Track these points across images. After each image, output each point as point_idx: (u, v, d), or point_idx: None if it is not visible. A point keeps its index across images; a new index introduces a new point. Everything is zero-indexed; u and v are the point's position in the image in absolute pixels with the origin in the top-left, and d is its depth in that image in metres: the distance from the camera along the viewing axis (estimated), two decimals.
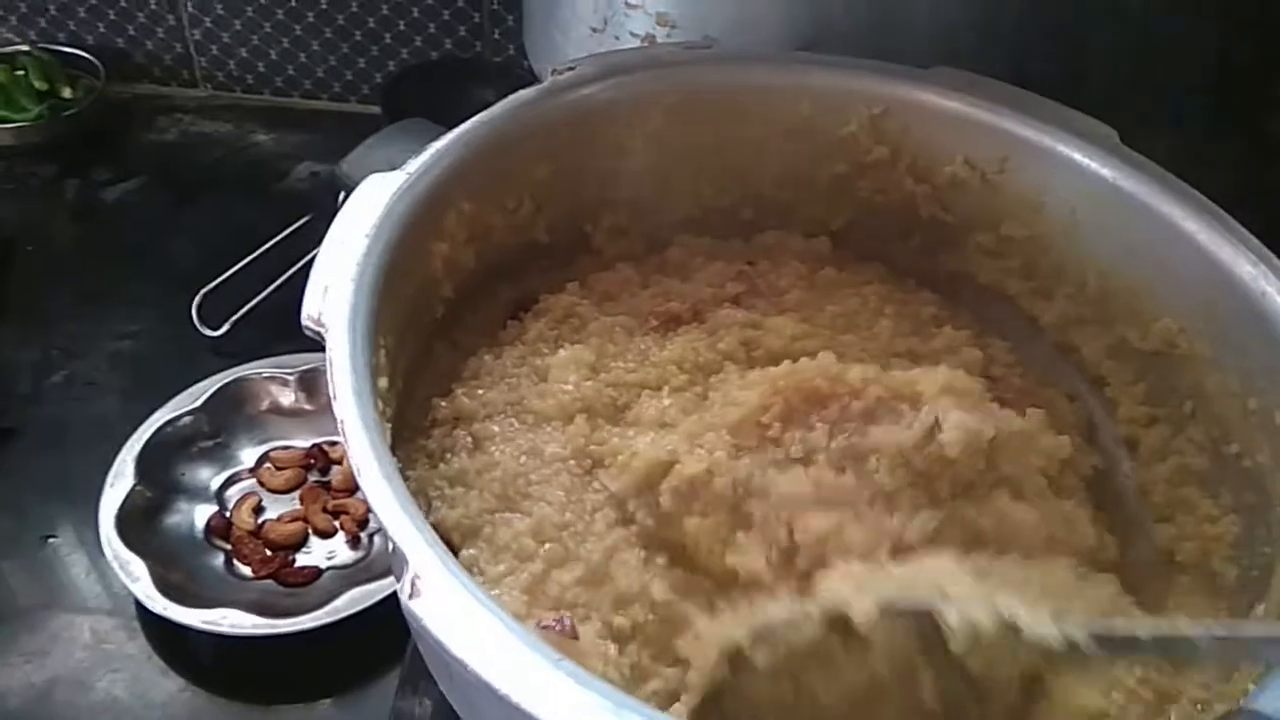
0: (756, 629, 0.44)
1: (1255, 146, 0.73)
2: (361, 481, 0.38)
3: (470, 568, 0.48)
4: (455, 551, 0.49)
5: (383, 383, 0.46)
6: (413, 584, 0.36)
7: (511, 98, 0.58)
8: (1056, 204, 0.59)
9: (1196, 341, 0.54)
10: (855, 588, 0.43)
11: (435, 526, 0.48)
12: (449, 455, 0.53)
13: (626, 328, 0.59)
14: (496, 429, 0.53)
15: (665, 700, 0.45)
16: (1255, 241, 0.52)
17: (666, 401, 0.54)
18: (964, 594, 0.42)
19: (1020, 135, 0.59)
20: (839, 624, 0.42)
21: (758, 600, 0.47)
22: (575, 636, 0.45)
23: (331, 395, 0.41)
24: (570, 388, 0.54)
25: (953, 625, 0.40)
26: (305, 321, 0.44)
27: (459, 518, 0.50)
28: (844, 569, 0.46)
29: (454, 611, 0.35)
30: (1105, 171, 0.57)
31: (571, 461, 0.52)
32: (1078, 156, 0.58)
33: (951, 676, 0.41)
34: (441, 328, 0.57)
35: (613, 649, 0.46)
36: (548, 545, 0.48)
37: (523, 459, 0.51)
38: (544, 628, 0.45)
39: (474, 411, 0.54)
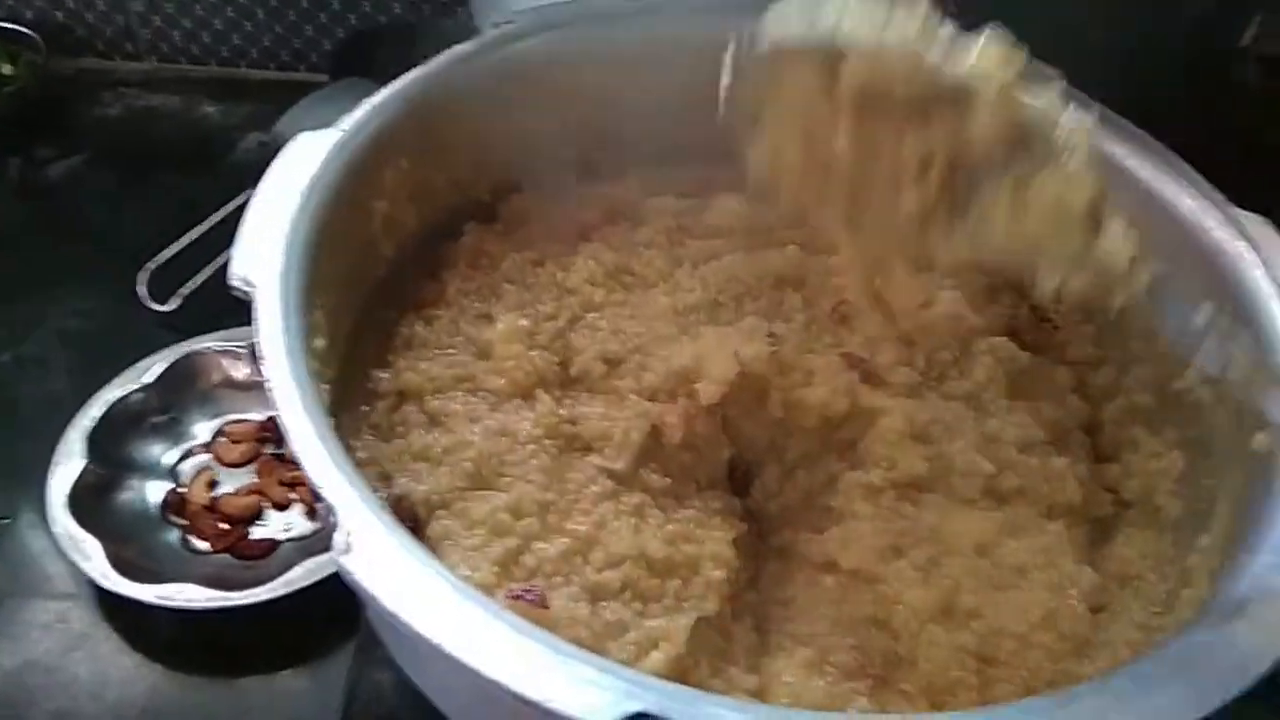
0: None
1: (1223, 94, 0.73)
2: (290, 440, 0.38)
3: (442, 540, 0.47)
4: (423, 525, 0.48)
5: (319, 343, 0.45)
6: (347, 540, 0.35)
7: (448, 52, 0.57)
8: None
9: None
10: None
11: (399, 500, 0.48)
12: (401, 429, 0.53)
13: (536, 259, 0.58)
14: (458, 407, 0.52)
15: (641, 651, 0.44)
16: (1196, 175, 0.53)
17: (611, 345, 0.54)
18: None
19: None
20: None
21: None
22: (545, 606, 0.45)
23: (259, 356, 0.40)
24: (515, 362, 0.54)
25: None
26: (233, 281, 0.43)
27: (427, 493, 0.49)
28: None
29: (387, 565, 0.35)
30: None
31: (547, 441, 0.51)
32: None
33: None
34: (384, 290, 0.57)
35: (584, 610, 0.45)
36: (526, 520, 0.48)
37: (494, 439, 0.51)
38: (513, 598, 0.44)
39: (420, 386, 0.53)
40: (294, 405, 0.39)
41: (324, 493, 0.37)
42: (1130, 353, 0.56)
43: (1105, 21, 0.67)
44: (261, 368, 0.40)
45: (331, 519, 0.36)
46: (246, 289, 0.43)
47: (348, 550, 0.35)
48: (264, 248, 0.44)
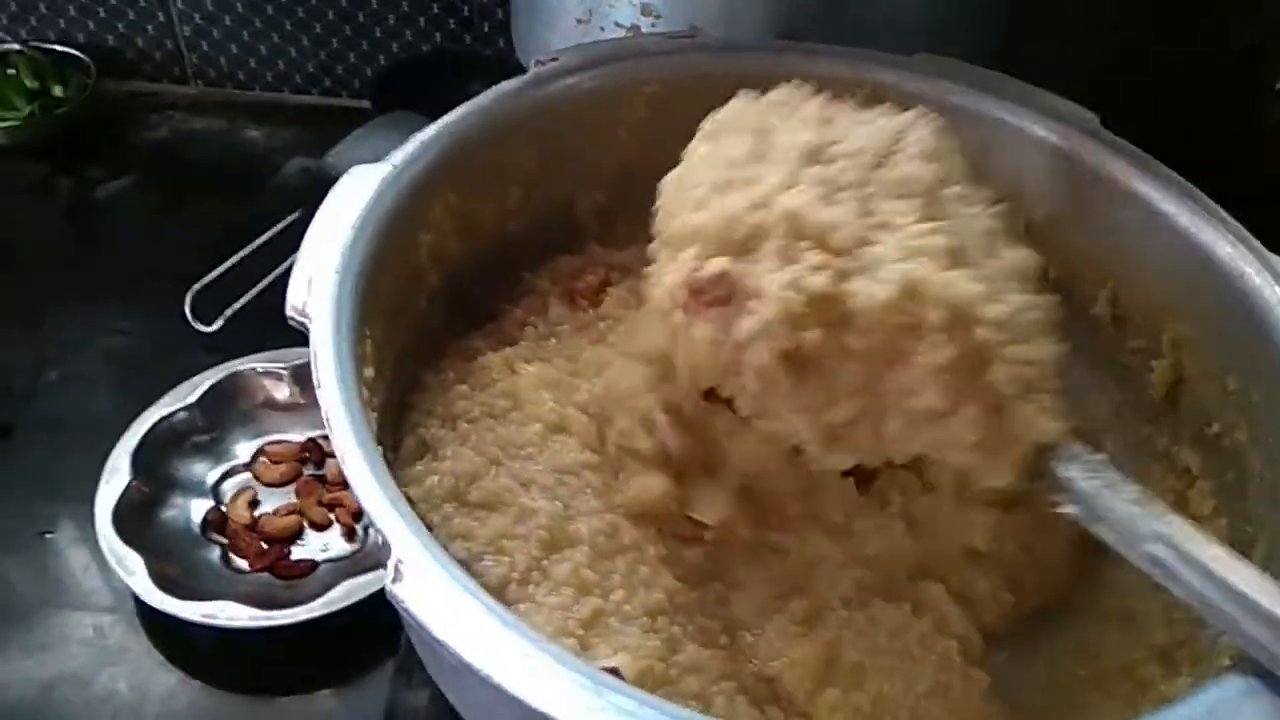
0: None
1: (1248, 134, 0.74)
2: (345, 469, 0.39)
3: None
4: None
5: (368, 372, 0.46)
6: (396, 568, 0.36)
7: (495, 89, 0.58)
8: (1036, 188, 0.60)
9: (1177, 323, 0.55)
10: None
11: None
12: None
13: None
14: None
15: None
16: (1234, 223, 0.53)
17: None
18: None
19: (1000, 119, 0.60)
20: None
21: None
22: None
23: (316, 385, 0.41)
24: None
25: None
26: (290, 312, 0.45)
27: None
28: None
29: (436, 595, 0.36)
30: (1086, 155, 0.57)
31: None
32: (1057, 140, 0.58)
33: None
34: (428, 317, 0.58)
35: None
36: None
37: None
38: None
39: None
40: (348, 435, 0.40)
41: (375, 521, 0.38)
42: None
43: (1139, 57, 0.68)
44: (319, 397, 0.41)
45: (383, 548, 0.37)
46: (302, 320, 0.44)
47: (397, 578, 0.36)
48: (319, 280, 0.46)
